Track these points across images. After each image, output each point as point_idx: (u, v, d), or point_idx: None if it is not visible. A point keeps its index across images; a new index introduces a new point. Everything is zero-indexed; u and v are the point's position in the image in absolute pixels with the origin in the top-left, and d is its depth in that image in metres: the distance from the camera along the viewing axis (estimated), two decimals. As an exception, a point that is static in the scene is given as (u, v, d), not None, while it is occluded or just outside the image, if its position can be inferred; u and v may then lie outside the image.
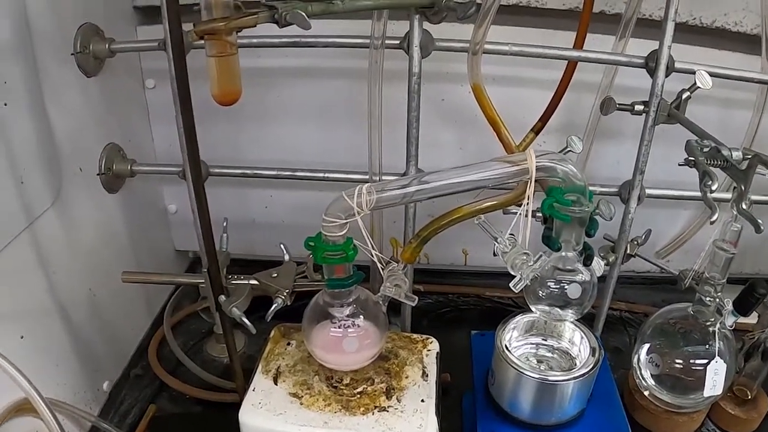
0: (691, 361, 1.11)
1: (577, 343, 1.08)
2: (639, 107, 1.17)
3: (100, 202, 1.35)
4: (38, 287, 1.15)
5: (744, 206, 0.95)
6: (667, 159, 1.11)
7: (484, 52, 1.11)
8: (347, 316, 0.96)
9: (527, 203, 0.89)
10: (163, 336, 1.53)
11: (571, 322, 1.07)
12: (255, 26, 0.87)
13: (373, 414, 0.95)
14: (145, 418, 1.35)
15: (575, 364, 1.05)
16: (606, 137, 1.43)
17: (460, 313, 1.71)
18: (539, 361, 1.09)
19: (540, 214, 0.92)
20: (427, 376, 1.02)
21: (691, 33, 1.33)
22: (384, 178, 1.26)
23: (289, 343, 1.09)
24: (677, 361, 1.12)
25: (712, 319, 1.09)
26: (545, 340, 1.11)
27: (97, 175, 1.32)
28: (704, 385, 1.09)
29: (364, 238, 0.91)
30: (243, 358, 1.48)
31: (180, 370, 1.47)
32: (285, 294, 1.16)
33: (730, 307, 1.07)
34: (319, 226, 0.88)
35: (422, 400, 0.97)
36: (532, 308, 1.02)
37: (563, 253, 0.93)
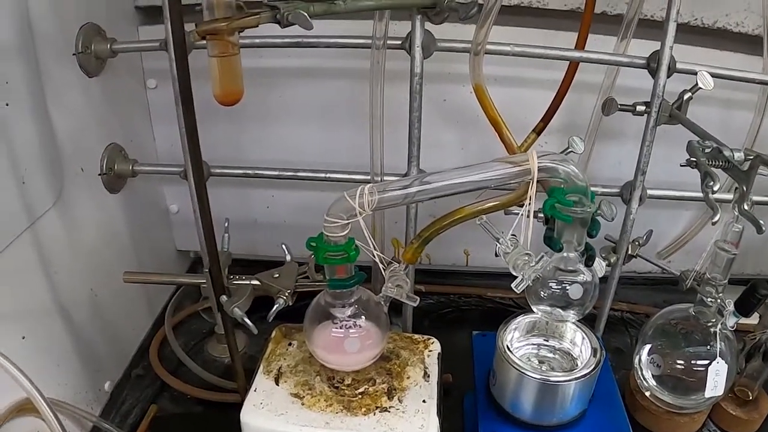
0: (693, 361, 1.11)
1: (579, 343, 1.08)
2: (640, 108, 1.17)
3: (102, 202, 1.35)
4: (40, 287, 1.15)
5: (745, 207, 0.95)
6: (669, 160, 1.11)
7: (485, 53, 1.11)
8: (349, 316, 0.96)
9: (529, 204, 0.89)
10: (165, 336, 1.53)
11: (573, 323, 1.07)
12: (257, 26, 0.87)
13: (374, 414, 0.95)
14: (147, 419, 1.35)
15: (577, 365, 1.05)
16: (607, 138, 1.43)
17: (462, 313, 1.71)
18: (541, 362, 1.09)
19: (542, 215, 0.92)
20: (428, 376, 1.02)
21: (692, 33, 1.33)
22: (386, 178, 1.26)
23: (290, 344, 1.09)
24: (678, 361, 1.12)
25: (714, 320, 1.09)
26: (547, 341, 1.11)
27: (99, 175, 1.32)
28: (705, 386, 1.09)
29: (365, 239, 0.91)
30: (244, 359, 1.48)
31: (181, 370, 1.47)
32: (287, 294, 1.16)
33: (731, 307, 1.07)
34: (321, 227, 0.88)
35: (424, 401, 0.97)
36: (534, 309, 1.02)
37: (565, 254, 0.93)
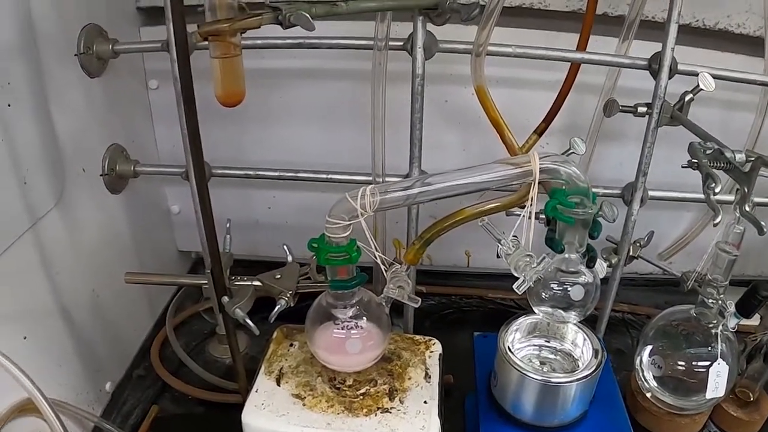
0: (694, 363, 1.10)
1: (580, 344, 1.08)
2: (642, 109, 1.17)
3: (103, 202, 1.35)
4: (41, 288, 1.15)
5: (747, 208, 0.95)
6: (670, 161, 1.11)
7: (487, 54, 1.11)
8: (350, 317, 0.96)
9: (530, 205, 0.88)
10: (166, 337, 1.53)
11: (574, 324, 1.07)
12: (259, 27, 0.87)
13: (375, 415, 0.95)
14: (148, 419, 1.35)
15: (578, 366, 1.05)
16: (609, 139, 1.43)
17: (463, 314, 1.71)
18: (542, 363, 1.09)
19: (543, 216, 0.92)
20: (429, 377, 1.02)
21: (694, 35, 1.33)
22: (387, 179, 1.26)
23: (291, 345, 1.09)
24: (680, 363, 1.12)
25: (715, 321, 1.09)
26: (548, 342, 1.11)
27: (100, 175, 1.32)
28: (706, 387, 1.08)
29: (367, 240, 0.91)
30: (245, 359, 1.48)
31: (182, 370, 1.47)
32: (288, 295, 1.16)
33: (732, 309, 1.07)
34: (323, 227, 0.88)
35: (425, 402, 0.97)
36: (535, 310, 1.02)
37: (566, 255, 0.93)
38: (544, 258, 0.92)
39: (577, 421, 1.05)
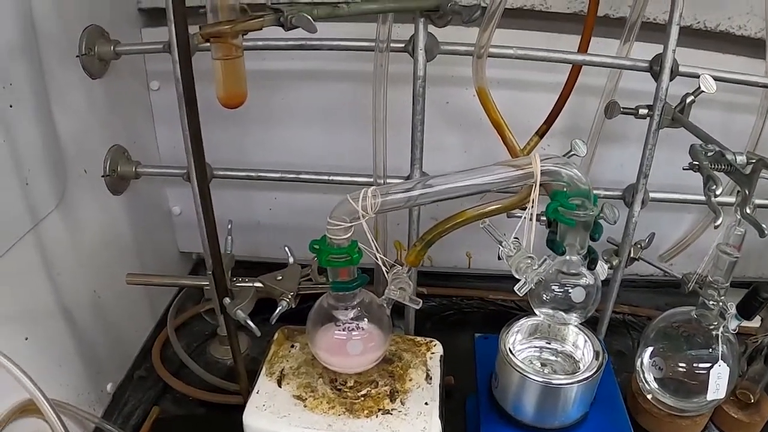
0: (695, 364, 1.10)
1: (581, 346, 1.08)
2: (643, 111, 1.17)
3: (105, 203, 1.35)
4: (42, 289, 1.15)
5: (748, 210, 0.95)
6: (671, 163, 1.11)
7: (488, 56, 1.11)
8: (351, 318, 0.96)
9: (532, 207, 0.89)
10: (167, 337, 1.53)
11: (575, 326, 1.07)
12: (261, 29, 0.87)
13: (376, 417, 0.95)
14: (149, 420, 1.35)
15: (579, 368, 1.05)
16: (610, 141, 1.43)
17: (464, 316, 1.71)
18: (543, 365, 1.09)
19: (544, 218, 0.92)
20: (430, 379, 1.03)
21: (695, 37, 1.33)
22: (388, 181, 1.27)
23: (293, 346, 1.09)
24: (680, 364, 1.12)
25: (716, 323, 1.09)
26: (549, 344, 1.11)
27: (102, 176, 1.32)
28: (707, 389, 1.08)
29: (368, 241, 0.91)
30: (246, 360, 1.48)
31: (183, 371, 1.48)
32: (289, 297, 1.16)
33: (733, 310, 1.07)
34: (324, 229, 0.88)
35: (426, 403, 0.98)
36: (536, 312, 1.02)
37: (567, 257, 0.93)
38: (545, 260, 0.92)
39: (578, 423, 1.05)
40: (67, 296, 1.21)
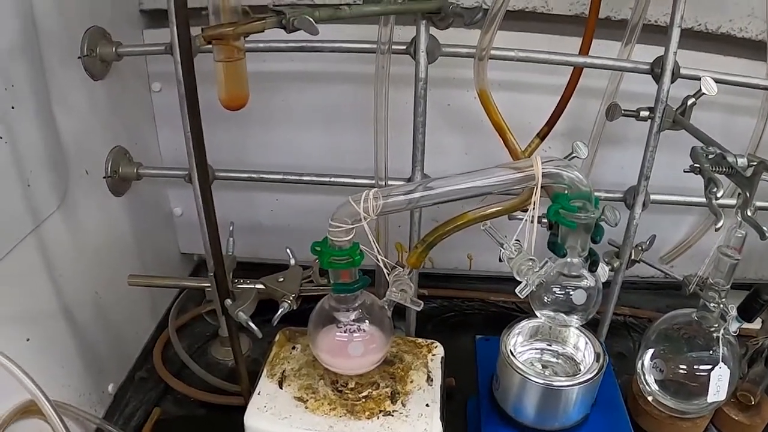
0: (695, 366, 1.10)
1: (582, 348, 1.08)
2: (644, 113, 1.17)
3: (106, 205, 1.35)
4: (44, 290, 1.15)
5: (749, 213, 0.95)
6: (672, 165, 1.11)
7: (490, 58, 1.11)
8: (353, 320, 0.96)
9: (533, 209, 0.89)
10: (168, 338, 1.53)
11: (576, 328, 1.07)
12: (263, 31, 0.87)
13: (378, 418, 0.95)
14: (150, 421, 1.35)
15: (580, 370, 1.05)
16: (611, 143, 1.43)
17: (465, 317, 1.71)
18: (544, 367, 1.09)
19: (546, 220, 0.92)
20: (431, 380, 1.03)
21: (696, 39, 1.33)
22: (390, 182, 1.27)
23: (294, 347, 1.09)
24: (681, 366, 1.12)
25: (716, 325, 1.09)
26: (550, 346, 1.12)
27: (103, 178, 1.32)
28: (708, 391, 1.09)
29: (369, 243, 0.91)
30: (248, 362, 1.47)
31: (185, 372, 1.48)
32: (291, 298, 1.16)
33: (734, 312, 1.07)
34: (325, 230, 0.88)
35: (427, 405, 0.98)
36: (537, 314, 1.02)
37: (569, 259, 0.93)
38: (546, 262, 0.93)
39: (579, 425, 1.05)
40: (69, 297, 1.21)
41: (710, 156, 0.99)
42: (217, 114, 0.99)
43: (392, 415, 0.96)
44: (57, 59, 1.14)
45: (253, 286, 1.18)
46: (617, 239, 1.32)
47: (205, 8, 0.87)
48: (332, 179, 1.34)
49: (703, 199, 0.97)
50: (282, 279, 1.20)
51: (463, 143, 1.50)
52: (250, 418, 0.96)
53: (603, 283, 0.99)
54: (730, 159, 0.97)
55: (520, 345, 1.10)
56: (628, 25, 1.25)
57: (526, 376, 0.99)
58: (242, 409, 0.98)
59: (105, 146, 1.33)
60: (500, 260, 0.97)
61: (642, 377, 1.20)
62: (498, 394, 1.08)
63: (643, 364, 1.19)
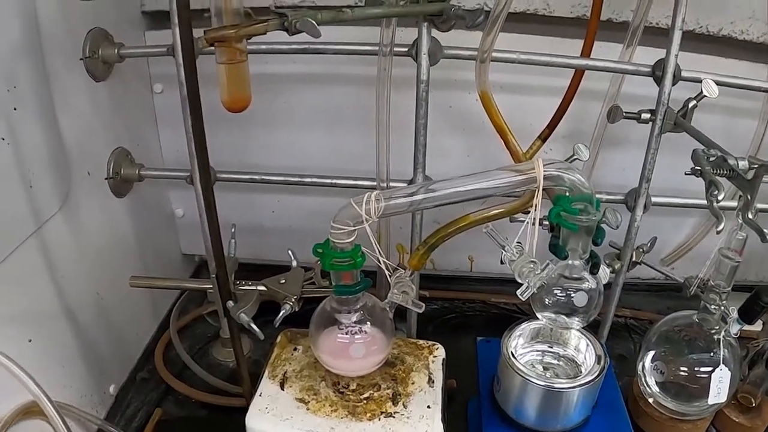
0: (696, 368, 1.11)
1: (583, 350, 1.08)
2: (646, 116, 1.17)
3: (108, 206, 1.35)
4: (46, 291, 1.15)
5: (750, 215, 0.95)
6: (673, 167, 1.11)
7: (492, 60, 1.11)
8: (354, 322, 0.96)
9: (534, 212, 0.89)
10: (170, 339, 1.53)
11: (577, 330, 1.07)
12: (265, 33, 0.87)
13: (379, 420, 0.95)
14: (151, 422, 1.35)
15: (581, 372, 1.05)
16: (612, 145, 1.43)
17: (466, 319, 1.71)
18: (545, 369, 1.09)
19: (547, 223, 0.92)
20: (433, 382, 1.03)
21: (697, 41, 1.33)
22: (391, 184, 1.27)
23: (295, 349, 1.09)
24: (682, 368, 1.12)
25: (717, 327, 1.09)
26: (551, 348, 1.12)
27: (105, 179, 1.32)
28: (709, 393, 1.09)
29: (371, 245, 0.92)
30: (249, 363, 1.47)
31: (186, 373, 1.48)
32: (293, 300, 1.16)
33: (735, 314, 1.07)
34: (327, 232, 0.89)
35: (428, 406, 0.98)
36: (539, 316, 1.02)
37: (570, 262, 0.93)
38: (547, 264, 0.93)
39: (580, 427, 1.05)
40: (71, 298, 1.21)
41: (711, 158, 0.99)
42: (219, 115, 0.99)
43: (393, 417, 0.96)
44: (59, 61, 1.14)
45: (254, 288, 1.19)
46: (618, 241, 1.32)
47: (208, 10, 0.87)
48: (334, 181, 1.34)
49: (704, 202, 0.97)
50: (284, 281, 1.20)
51: (465, 145, 1.50)
52: (252, 419, 0.96)
53: (604, 285, 0.99)
54: (731, 161, 0.97)
55: (521, 347, 1.10)
56: (630, 27, 1.25)
57: (527, 378, 1.00)
58: (243, 410, 0.98)
59: (107, 147, 1.33)
60: (501, 262, 0.97)
61: (643, 379, 1.20)
62: (499, 396, 1.08)
63: (643, 365, 1.19)
